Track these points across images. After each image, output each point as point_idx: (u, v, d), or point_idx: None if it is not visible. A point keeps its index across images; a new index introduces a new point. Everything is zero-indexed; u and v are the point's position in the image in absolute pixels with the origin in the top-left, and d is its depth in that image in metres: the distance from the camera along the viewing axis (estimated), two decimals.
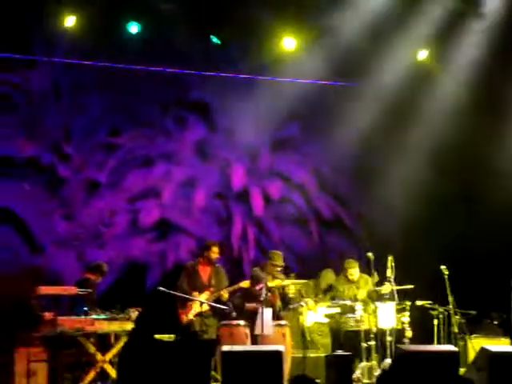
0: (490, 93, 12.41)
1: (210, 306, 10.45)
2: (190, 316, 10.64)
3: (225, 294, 10.61)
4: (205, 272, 10.93)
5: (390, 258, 10.27)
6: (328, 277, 10.98)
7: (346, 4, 11.70)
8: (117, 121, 12.51)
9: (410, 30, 12.09)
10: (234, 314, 10.32)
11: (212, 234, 12.85)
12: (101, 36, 11.53)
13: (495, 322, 11.45)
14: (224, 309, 10.42)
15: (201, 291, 10.73)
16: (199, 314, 10.61)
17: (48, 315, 9.61)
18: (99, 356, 9.94)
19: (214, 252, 10.84)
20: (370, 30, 11.92)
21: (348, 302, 10.48)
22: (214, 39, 12.11)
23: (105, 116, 12.44)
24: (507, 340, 10.72)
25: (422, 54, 12.67)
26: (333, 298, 10.77)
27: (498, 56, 12.15)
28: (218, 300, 10.56)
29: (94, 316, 9.97)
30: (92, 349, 9.96)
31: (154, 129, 12.72)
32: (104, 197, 12.49)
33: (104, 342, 10.19)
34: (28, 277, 9.49)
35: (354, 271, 10.76)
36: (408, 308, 10.22)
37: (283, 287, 10.65)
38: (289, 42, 12.33)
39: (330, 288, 10.86)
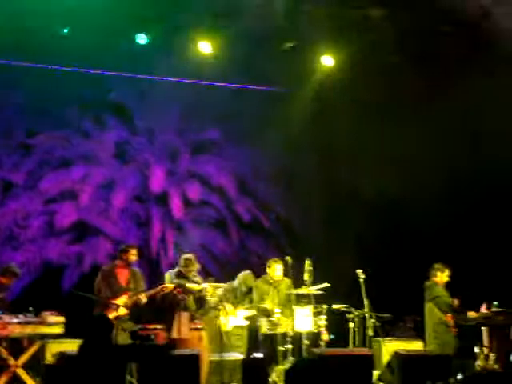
0: None
1: (127, 308, 10.34)
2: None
3: (143, 298, 10.50)
4: (122, 275, 10.78)
5: (307, 262, 10.32)
6: (248, 279, 10.95)
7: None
8: (33, 122, 12.28)
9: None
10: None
11: (131, 236, 12.76)
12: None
13: (409, 325, 11.64)
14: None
15: (118, 294, 10.59)
16: (117, 318, 10.48)
17: None
18: (12, 360, 9.74)
19: (133, 254, 10.69)
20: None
21: (267, 305, 10.48)
22: (140, 38, 11.92)
23: (21, 116, 12.20)
24: (420, 343, 10.90)
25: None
26: (251, 301, 10.76)
27: None
28: (136, 304, 10.46)
29: (7, 319, 9.76)
30: (4, 353, 9.76)
31: (72, 130, 12.53)
32: (20, 198, 12.26)
33: (17, 346, 10.00)
34: None
35: (279, 267, 10.70)
36: (325, 311, 10.29)
37: (200, 290, 10.59)
38: (204, 46, 12.20)
39: (250, 290, 10.85)
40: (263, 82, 12.85)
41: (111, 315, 10.37)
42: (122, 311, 10.38)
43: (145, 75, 12.51)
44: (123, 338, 10.17)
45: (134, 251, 10.66)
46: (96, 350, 7.34)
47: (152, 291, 10.49)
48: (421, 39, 11.71)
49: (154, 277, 11.52)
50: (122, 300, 10.42)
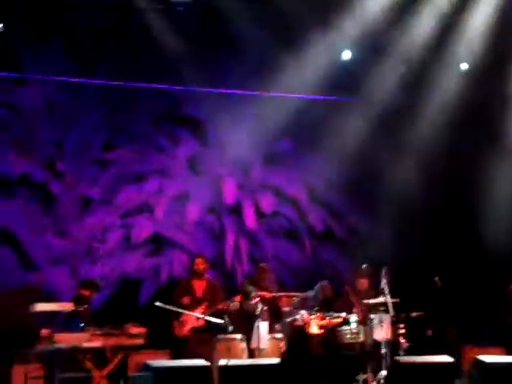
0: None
1: (205, 320, 10.48)
2: (185, 332, 10.64)
3: (221, 308, 10.64)
4: (199, 286, 10.96)
5: (384, 270, 10.31)
6: (325, 289, 11.00)
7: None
8: (109, 136, 12.55)
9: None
10: (231, 328, 10.33)
11: (205, 248, 12.89)
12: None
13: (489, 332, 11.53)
14: (220, 323, 10.46)
15: (196, 306, 10.75)
16: (194, 330, 10.64)
17: (44, 332, 9.61)
18: (96, 372, 9.94)
19: (197, 264, 10.94)
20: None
21: (343, 315, 10.51)
22: None
23: (98, 132, 12.48)
24: (499, 350, 10.76)
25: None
26: (328, 311, 10.79)
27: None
28: (214, 314, 10.59)
29: (91, 331, 9.98)
30: (89, 364, 9.96)
31: (147, 144, 12.75)
32: (97, 213, 12.50)
33: (100, 357, 10.20)
34: (24, 294, 9.48)
35: (364, 281, 10.89)
36: (403, 320, 10.26)
37: (275, 300, 10.69)
38: None
39: (327, 300, 10.88)
40: (335, 91, 12.90)
41: (189, 326, 10.54)
42: (200, 323, 10.55)
43: (217, 88, 12.69)
44: (202, 350, 10.29)
45: (198, 260, 10.89)
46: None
47: (226, 304, 10.63)
48: None
49: (229, 288, 11.60)
50: (199, 311, 10.57)
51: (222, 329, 10.46)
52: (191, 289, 10.91)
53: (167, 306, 10.57)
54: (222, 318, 10.53)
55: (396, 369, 8.49)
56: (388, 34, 12.08)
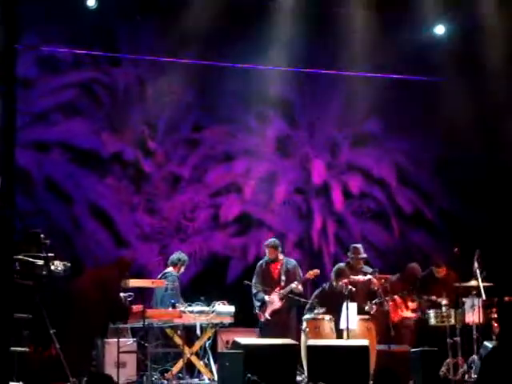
0: None
1: (286, 302, 10.55)
2: (267, 315, 10.70)
3: (298, 287, 10.67)
4: (275, 269, 11.01)
5: (477, 252, 10.14)
6: (415, 270, 10.92)
7: None
8: (199, 116, 12.65)
9: None
10: (319, 309, 10.35)
11: (292, 228, 12.92)
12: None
13: None
14: (305, 301, 10.52)
15: (272, 288, 10.81)
16: (275, 312, 10.69)
17: (137, 307, 9.78)
18: (186, 348, 10.08)
19: (268, 254, 10.96)
20: None
21: (434, 298, 10.41)
22: None
23: (188, 112, 12.59)
24: None
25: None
26: (419, 293, 10.70)
27: None
28: (292, 294, 10.65)
29: (181, 308, 10.12)
30: (179, 341, 10.11)
31: (236, 125, 12.81)
32: (186, 191, 12.65)
33: (190, 334, 10.35)
34: (117, 268, 9.66)
35: (442, 270, 10.77)
36: (495, 304, 10.09)
37: (368, 282, 10.63)
38: None
39: (417, 282, 10.80)
40: (421, 71, 12.70)
41: (268, 312, 10.60)
42: (280, 305, 10.61)
43: (304, 69, 12.64)
44: (285, 332, 10.34)
45: (269, 250, 10.84)
46: None
47: (302, 279, 10.67)
48: None
49: (315, 268, 11.57)
50: (276, 293, 10.63)
51: (303, 309, 10.54)
52: (268, 271, 10.97)
53: (257, 285, 10.69)
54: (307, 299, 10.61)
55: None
56: None
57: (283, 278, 10.83)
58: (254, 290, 10.81)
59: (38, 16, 11.25)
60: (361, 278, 10.58)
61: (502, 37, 12.15)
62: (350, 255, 10.91)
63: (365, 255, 10.87)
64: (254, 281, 10.88)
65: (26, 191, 11.57)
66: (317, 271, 10.79)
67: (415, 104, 12.92)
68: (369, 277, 10.66)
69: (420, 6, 12.00)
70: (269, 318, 10.64)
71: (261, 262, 11.12)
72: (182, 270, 10.87)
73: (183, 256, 10.91)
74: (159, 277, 10.85)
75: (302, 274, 10.93)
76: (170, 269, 10.88)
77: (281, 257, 10.99)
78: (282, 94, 12.83)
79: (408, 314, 10.69)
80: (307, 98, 12.97)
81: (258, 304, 10.77)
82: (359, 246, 11.03)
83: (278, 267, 10.93)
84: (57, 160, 11.98)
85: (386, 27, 12.19)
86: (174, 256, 10.96)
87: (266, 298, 10.73)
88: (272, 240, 11.09)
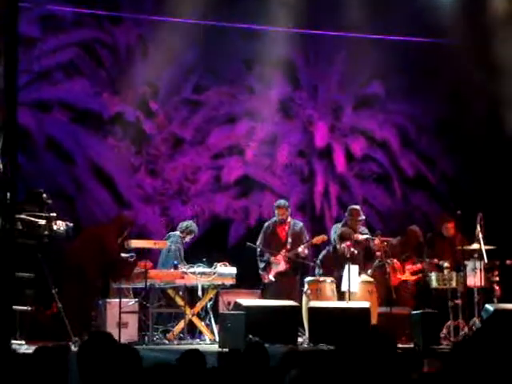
0: None
1: (291, 264, 10.55)
2: (271, 276, 10.70)
3: (304, 251, 10.65)
4: (282, 231, 10.96)
5: (479, 216, 10.11)
6: (415, 233, 10.89)
7: None
8: (201, 78, 12.55)
9: None
10: (320, 270, 10.37)
11: (294, 191, 12.89)
12: None
13: None
14: (309, 263, 10.54)
15: (278, 250, 10.78)
16: (279, 274, 10.69)
17: (143, 264, 9.75)
18: (188, 309, 10.11)
19: (279, 215, 10.84)
20: None
21: (435, 261, 10.41)
22: None
23: (190, 72, 12.49)
24: None
25: None
26: (421, 256, 10.69)
27: None
28: (297, 257, 10.64)
29: (183, 269, 10.13)
30: (181, 302, 10.13)
31: (238, 86, 12.71)
32: (188, 153, 12.59)
33: (192, 295, 10.37)
34: (118, 224, 9.69)
35: (451, 226, 10.66)
36: (497, 267, 10.10)
37: (368, 242, 10.63)
38: None
39: (418, 245, 10.78)
40: (426, 33, 12.58)
41: (272, 273, 10.61)
42: (284, 267, 10.61)
43: (307, 30, 12.52)
44: (288, 293, 10.35)
45: (280, 211, 10.77)
46: None
47: (307, 244, 10.65)
48: None
49: (317, 231, 11.57)
50: (281, 255, 10.61)
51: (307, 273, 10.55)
52: (274, 233, 10.93)
53: (260, 247, 10.68)
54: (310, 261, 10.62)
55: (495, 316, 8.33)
56: None
57: (289, 240, 10.77)
58: (258, 251, 10.77)
59: None
60: (360, 236, 10.57)
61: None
62: (348, 217, 10.85)
63: (363, 217, 10.82)
64: (258, 242, 10.82)
65: (26, 150, 11.50)
66: (324, 237, 10.72)
67: (418, 67, 12.80)
68: (366, 236, 10.65)
69: None
70: (273, 279, 10.63)
71: (268, 222, 11.02)
72: (187, 239, 10.81)
73: (194, 228, 10.83)
74: (165, 238, 10.85)
75: (307, 237, 10.89)
76: (176, 232, 10.86)
77: (289, 219, 10.92)
78: (285, 55, 12.71)
79: (407, 277, 10.68)
80: (310, 59, 12.86)
81: (262, 265, 10.74)
82: (358, 207, 10.96)
83: (286, 229, 10.87)
84: (58, 119, 11.91)
85: None
86: (184, 223, 10.91)
87: (272, 259, 10.69)
88: (283, 200, 11.00)
